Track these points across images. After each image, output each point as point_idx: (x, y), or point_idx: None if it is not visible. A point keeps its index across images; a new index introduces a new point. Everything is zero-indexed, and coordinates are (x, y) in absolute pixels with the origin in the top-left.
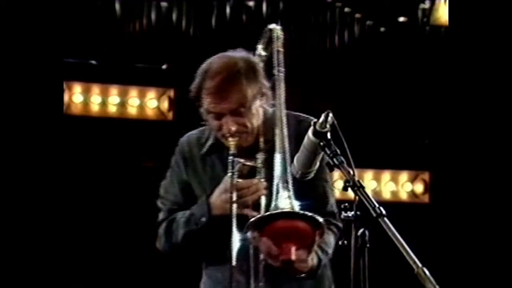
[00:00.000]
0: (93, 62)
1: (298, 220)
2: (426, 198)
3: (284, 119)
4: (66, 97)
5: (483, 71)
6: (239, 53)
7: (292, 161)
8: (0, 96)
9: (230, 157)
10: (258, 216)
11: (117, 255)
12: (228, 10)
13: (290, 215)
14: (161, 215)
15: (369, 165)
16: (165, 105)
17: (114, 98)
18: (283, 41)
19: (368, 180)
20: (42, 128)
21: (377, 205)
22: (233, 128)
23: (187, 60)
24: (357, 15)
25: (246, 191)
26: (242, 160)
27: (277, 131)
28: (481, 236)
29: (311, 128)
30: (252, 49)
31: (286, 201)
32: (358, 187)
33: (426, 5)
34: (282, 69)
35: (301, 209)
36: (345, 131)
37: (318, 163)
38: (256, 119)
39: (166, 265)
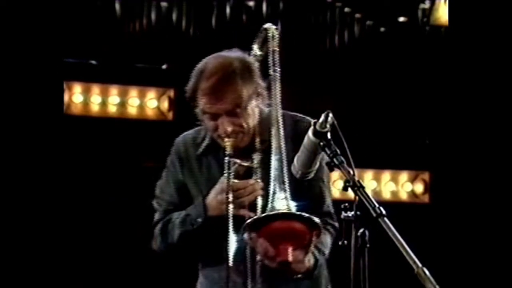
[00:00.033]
0: (93, 62)
1: (295, 221)
2: (426, 198)
3: (280, 119)
4: (66, 97)
5: (483, 71)
6: (234, 53)
7: (288, 161)
8: (0, 96)
9: (226, 158)
10: (255, 217)
11: (117, 255)
12: (228, 10)
13: (286, 216)
14: (156, 216)
15: (369, 165)
16: (165, 105)
17: (114, 98)
18: (279, 41)
19: (368, 180)
20: (42, 128)
21: (377, 205)
22: (229, 129)
23: (187, 60)
24: (357, 15)
25: (242, 191)
26: (238, 161)
27: (273, 132)
28: (481, 236)
29: (311, 128)
30: (252, 49)
31: (282, 202)
32: (358, 187)
33: (426, 5)
34: (278, 69)
35: (297, 209)
36: (345, 131)
37: (318, 163)
38: (252, 119)
39: (166, 265)
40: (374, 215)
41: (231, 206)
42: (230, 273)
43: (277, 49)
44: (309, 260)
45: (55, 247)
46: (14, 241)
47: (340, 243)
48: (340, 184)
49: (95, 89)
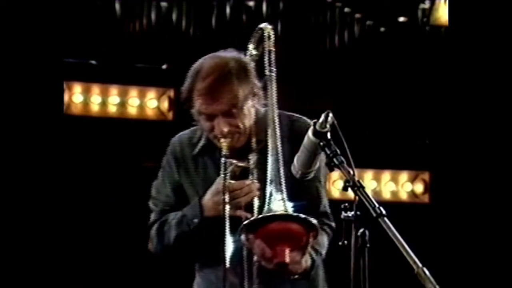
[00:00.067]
0: (93, 62)
1: (292, 222)
2: (426, 198)
3: (277, 120)
4: (66, 97)
5: (483, 71)
6: (230, 53)
7: (285, 161)
8: (0, 96)
9: (223, 159)
10: (252, 218)
11: (117, 255)
12: (228, 10)
13: (283, 217)
14: (152, 216)
15: (369, 165)
16: (165, 105)
17: (114, 98)
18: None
19: (368, 180)
20: (42, 128)
21: (377, 205)
22: (225, 129)
23: (187, 60)
24: (357, 15)
25: (238, 192)
26: (234, 161)
27: (270, 132)
28: (481, 236)
29: (311, 128)
30: (248, 49)
31: (279, 203)
32: (358, 187)
33: (426, 5)
34: (274, 69)
35: (294, 210)
36: (345, 131)
37: (318, 163)
38: (248, 120)
39: (166, 265)
40: (374, 215)
41: (227, 207)
42: (227, 274)
43: (273, 49)
44: (306, 261)
45: (55, 247)
46: (14, 241)
47: (340, 243)
48: (340, 184)
49: (95, 89)
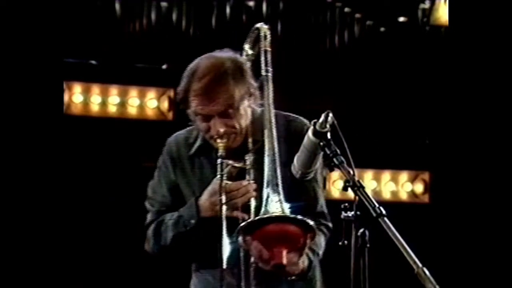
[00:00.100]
0: (93, 62)
1: (289, 223)
2: (426, 198)
3: (273, 120)
4: (66, 97)
5: (483, 71)
6: (226, 53)
7: (281, 162)
8: (0, 96)
9: (219, 159)
10: (249, 220)
11: (117, 255)
12: (228, 10)
13: (280, 219)
14: (149, 217)
15: (369, 165)
16: (165, 105)
17: (114, 98)
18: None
19: (368, 180)
20: (42, 128)
21: (377, 205)
22: (222, 130)
23: (187, 60)
24: (357, 15)
25: (235, 193)
26: (231, 162)
27: (266, 132)
28: (481, 236)
29: (311, 128)
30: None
31: (276, 205)
32: (358, 187)
33: (426, 5)
34: (270, 69)
35: (291, 211)
36: (345, 131)
37: (318, 163)
38: (244, 120)
39: (165, 265)
40: (374, 215)
41: (224, 208)
42: (224, 275)
43: (269, 49)
44: (303, 262)
45: (55, 247)
46: (14, 241)
47: (340, 243)
48: (340, 184)
49: (95, 89)
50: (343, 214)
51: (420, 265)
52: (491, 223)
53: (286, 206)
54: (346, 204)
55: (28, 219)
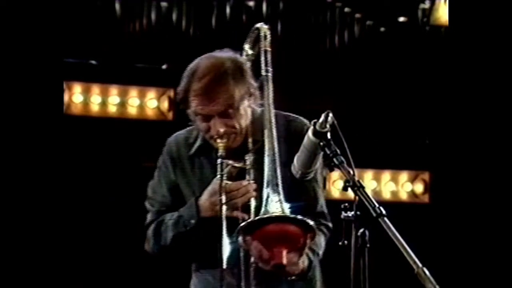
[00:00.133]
0: (93, 62)
1: (289, 223)
2: (426, 198)
3: (273, 120)
4: (66, 97)
5: (483, 71)
6: (226, 53)
7: (281, 162)
8: (0, 96)
9: (219, 159)
10: (249, 220)
11: (117, 255)
12: (228, 10)
13: (280, 219)
14: (149, 217)
15: (369, 165)
16: (165, 105)
17: (114, 98)
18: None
19: (368, 180)
20: (42, 128)
21: (377, 205)
22: (222, 130)
23: (187, 60)
24: (357, 15)
25: (235, 193)
26: (231, 162)
27: (266, 132)
28: (481, 236)
29: (311, 128)
30: (244, 49)
31: (276, 205)
32: (358, 187)
33: (426, 5)
34: (270, 69)
35: (291, 211)
36: (345, 131)
37: (318, 163)
38: (244, 120)
39: (165, 265)
40: (374, 215)
41: (224, 208)
42: (224, 275)
43: (269, 49)
44: (303, 262)
45: (55, 247)
46: (14, 241)
47: (340, 243)
48: (340, 184)
49: (95, 89)
50: (343, 214)
51: (420, 265)
52: (491, 223)
53: (286, 206)
54: (346, 204)
55: (28, 219)
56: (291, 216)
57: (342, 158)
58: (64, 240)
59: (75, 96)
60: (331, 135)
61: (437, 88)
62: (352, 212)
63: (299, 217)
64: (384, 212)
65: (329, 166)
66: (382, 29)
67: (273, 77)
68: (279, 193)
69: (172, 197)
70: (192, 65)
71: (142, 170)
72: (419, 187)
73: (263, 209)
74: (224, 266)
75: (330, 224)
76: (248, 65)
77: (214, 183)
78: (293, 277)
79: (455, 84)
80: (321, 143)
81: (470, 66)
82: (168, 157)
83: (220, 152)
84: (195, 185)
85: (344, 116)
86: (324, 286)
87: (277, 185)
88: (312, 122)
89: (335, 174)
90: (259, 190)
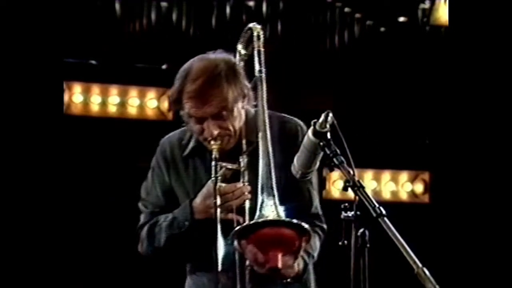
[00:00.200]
0: (93, 62)
1: (284, 227)
2: (426, 198)
3: (267, 122)
4: (66, 97)
5: (483, 71)
6: (219, 55)
7: (276, 163)
8: (0, 96)
9: (213, 162)
10: (244, 225)
11: (117, 255)
12: (228, 10)
13: (275, 223)
14: (142, 218)
15: (369, 165)
16: (165, 105)
17: (114, 98)
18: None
19: (368, 180)
20: (42, 128)
21: (377, 205)
22: (215, 132)
23: (187, 60)
24: (357, 15)
25: (230, 195)
26: (225, 164)
27: (261, 134)
28: (481, 236)
29: (311, 128)
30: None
31: (271, 208)
32: (358, 187)
33: (426, 5)
34: (264, 69)
35: (286, 213)
36: (345, 131)
37: (318, 163)
38: (238, 122)
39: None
40: (374, 215)
41: (218, 210)
42: (219, 277)
43: (262, 49)
44: (298, 264)
45: (55, 246)
46: (14, 241)
47: (340, 243)
48: (340, 184)
49: (95, 89)
50: (343, 214)
51: (420, 265)
52: (491, 223)
53: (281, 209)
54: (346, 204)
55: (28, 219)
56: (286, 220)
57: (342, 158)
58: (65, 240)
59: (75, 96)
60: (331, 135)
61: (437, 88)
62: (352, 212)
63: (294, 220)
64: (384, 212)
65: (329, 166)
66: (382, 29)
67: (273, 77)
68: (273, 196)
69: (165, 198)
70: (185, 66)
71: (142, 170)
72: (419, 187)
73: (258, 213)
74: (219, 268)
75: (325, 226)
76: (241, 65)
77: (209, 186)
78: (288, 280)
79: (455, 84)
80: (321, 143)
81: (470, 66)
82: (161, 158)
83: (214, 154)
84: (189, 186)
85: (344, 116)
86: (317, 287)
87: (271, 188)
88: (312, 122)
89: (335, 174)
90: (254, 192)
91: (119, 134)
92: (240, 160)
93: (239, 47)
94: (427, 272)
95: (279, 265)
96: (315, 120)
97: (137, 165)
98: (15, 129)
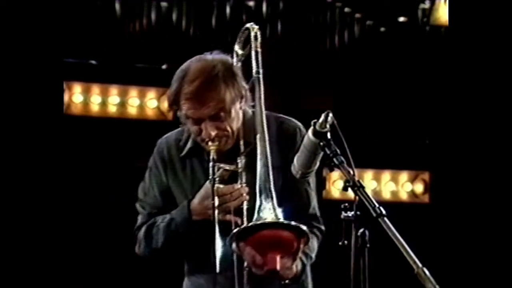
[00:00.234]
0: (93, 62)
1: (282, 229)
2: (426, 198)
3: (265, 123)
4: (66, 97)
5: (483, 71)
6: (216, 56)
7: (273, 164)
8: (0, 96)
9: (211, 163)
10: (242, 227)
11: (117, 255)
12: (228, 10)
13: (274, 225)
14: (140, 219)
15: (369, 165)
16: (165, 105)
17: (114, 98)
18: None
19: (368, 180)
20: (42, 128)
21: (377, 205)
22: (213, 133)
23: (187, 60)
24: (357, 15)
25: (228, 196)
26: (222, 165)
27: (258, 135)
28: (481, 236)
29: (311, 128)
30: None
31: (269, 210)
32: (358, 187)
33: (426, 5)
34: (261, 70)
35: (284, 214)
36: (345, 131)
37: (318, 163)
38: (236, 122)
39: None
40: (374, 215)
41: (216, 212)
42: (217, 278)
43: (259, 49)
44: (296, 266)
45: (54, 246)
46: (14, 241)
47: (340, 243)
48: (340, 184)
49: (95, 89)
50: (343, 214)
51: (420, 265)
52: (491, 223)
53: (279, 212)
54: (346, 204)
55: (28, 219)
56: (285, 222)
57: (342, 158)
58: (65, 240)
59: (75, 96)
60: (331, 135)
61: (437, 88)
62: (352, 212)
63: (293, 222)
64: (384, 212)
65: (329, 166)
66: (382, 29)
67: (273, 77)
68: (272, 198)
69: (163, 199)
70: (182, 68)
71: (142, 170)
72: (419, 187)
73: (256, 215)
74: (217, 269)
75: (323, 227)
76: (239, 66)
77: (206, 187)
78: (287, 281)
79: (455, 84)
80: (321, 143)
81: (470, 66)
82: (159, 158)
83: (212, 155)
84: (186, 187)
85: (344, 116)
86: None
87: (270, 190)
88: (312, 122)
89: (335, 174)
90: (252, 193)
91: (119, 134)
92: (238, 161)
93: (236, 47)
94: (427, 272)
95: (278, 267)
96: (315, 120)
97: (137, 165)
98: (15, 129)
